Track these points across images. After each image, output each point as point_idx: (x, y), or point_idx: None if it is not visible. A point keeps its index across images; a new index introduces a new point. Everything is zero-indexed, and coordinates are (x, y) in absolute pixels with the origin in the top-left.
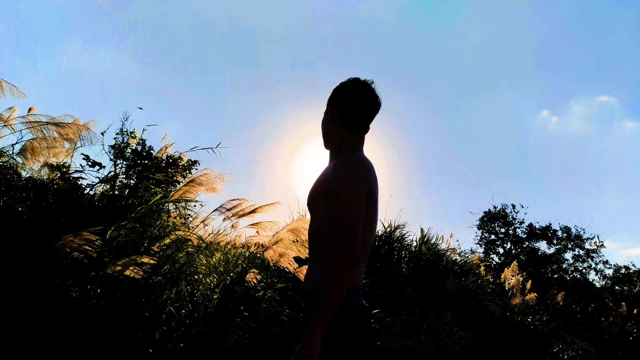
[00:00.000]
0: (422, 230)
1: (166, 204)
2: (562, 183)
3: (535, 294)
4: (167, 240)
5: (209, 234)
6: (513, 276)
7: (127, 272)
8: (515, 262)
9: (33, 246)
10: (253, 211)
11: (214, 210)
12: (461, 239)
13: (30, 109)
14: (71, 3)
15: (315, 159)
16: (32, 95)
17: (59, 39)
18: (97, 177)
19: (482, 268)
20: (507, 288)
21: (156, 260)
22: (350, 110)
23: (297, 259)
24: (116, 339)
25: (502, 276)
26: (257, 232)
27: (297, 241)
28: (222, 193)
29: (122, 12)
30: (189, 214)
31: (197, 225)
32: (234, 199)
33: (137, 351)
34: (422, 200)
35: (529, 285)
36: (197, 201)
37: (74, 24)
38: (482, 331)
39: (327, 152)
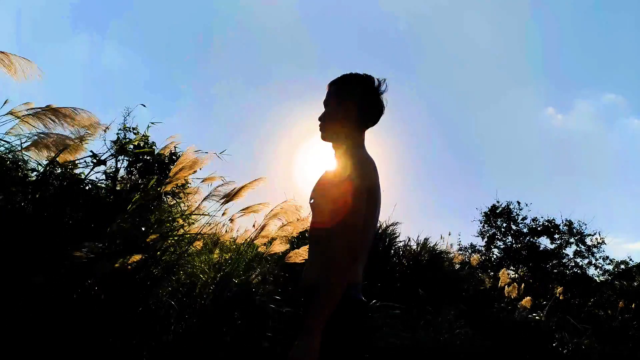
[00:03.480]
0: (425, 240)
1: (163, 197)
2: (565, 179)
3: (530, 298)
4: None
5: (206, 226)
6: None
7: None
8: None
9: (33, 242)
10: (239, 191)
11: (204, 200)
12: (463, 233)
13: (48, 106)
14: (80, 1)
15: (317, 155)
16: (37, 93)
17: (67, 36)
18: (99, 172)
19: (484, 276)
20: (505, 293)
21: (153, 253)
22: (366, 107)
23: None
24: (117, 332)
25: (499, 282)
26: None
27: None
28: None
29: (130, 11)
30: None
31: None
32: (222, 184)
33: (140, 345)
34: (424, 197)
35: (522, 287)
36: (188, 183)
37: (83, 22)
38: (481, 327)
39: (327, 146)
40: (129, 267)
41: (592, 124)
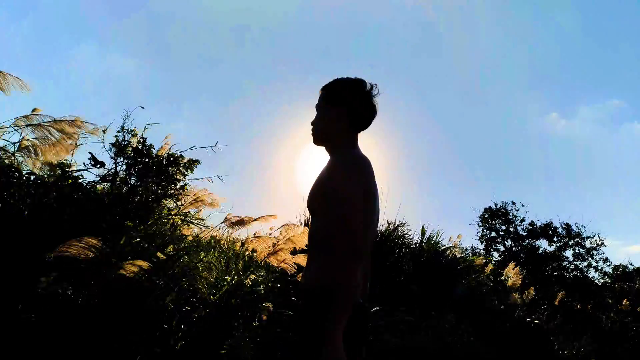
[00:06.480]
0: (422, 228)
1: (166, 203)
2: (567, 184)
3: (533, 290)
4: (170, 248)
5: (207, 231)
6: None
7: (132, 270)
8: (516, 266)
9: (33, 246)
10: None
11: (220, 224)
12: (463, 236)
13: (34, 110)
14: (85, 7)
15: (318, 158)
16: (43, 96)
17: (72, 43)
18: (98, 175)
19: (490, 266)
20: (508, 285)
21: (161, 259)
22: (359, 111)
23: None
24: (117, 338)
25: (504, 273)
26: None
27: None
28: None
29: (133, 17)
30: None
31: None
32: (237, 216)
33: (138, 351)
34: (425, 198)
35: (531, 290)
36: (202, 220)
37: (88, 28)
38: (484, 329)
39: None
40: (132, 274)
41: (595, 129)
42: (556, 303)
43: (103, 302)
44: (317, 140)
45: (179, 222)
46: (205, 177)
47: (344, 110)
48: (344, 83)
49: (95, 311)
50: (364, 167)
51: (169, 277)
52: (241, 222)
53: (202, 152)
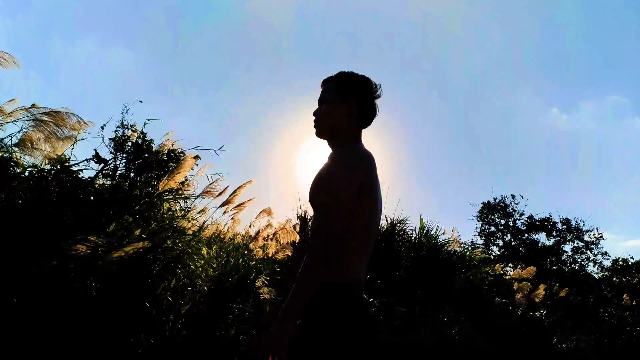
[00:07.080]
0: (421, 220)
1: (165, 197)
2: (566, 177)
3: (542, 292)
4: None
5: (206, 224)
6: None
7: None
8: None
9: (32, 240)
10: (234, 192)
11: (199, 195)
12: (461, 231)
13: (33, 105)
14: (87, 2)
15: (319, 152)
16: (43, 91)
17: (74, 37)
18: (98, 171)
19: (498, 267)
20: (515, 288)
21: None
22: (368, 108)
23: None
24: (116, 331)
25: (511, 275)
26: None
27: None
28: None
29: (134, 13)
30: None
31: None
32: (214, 182)
33: (138, 343)
34: (424, 193)
35: (541, 288)
36: (192, 196)
37: (90, 23)
38: (482, 324)
39: (324, 142)
40: (131, 254)
41: (596, 124)
42: (561, 295)
43: (102, 294)
44: (321, 133)
45: (179, 216)
46: (206, 174)
47: (355, 105)
48: (354, 77)
49: (93, 307)
50: (365, 163)
51: (168, 269)
52: (225, 199)
53: (204, 151)
